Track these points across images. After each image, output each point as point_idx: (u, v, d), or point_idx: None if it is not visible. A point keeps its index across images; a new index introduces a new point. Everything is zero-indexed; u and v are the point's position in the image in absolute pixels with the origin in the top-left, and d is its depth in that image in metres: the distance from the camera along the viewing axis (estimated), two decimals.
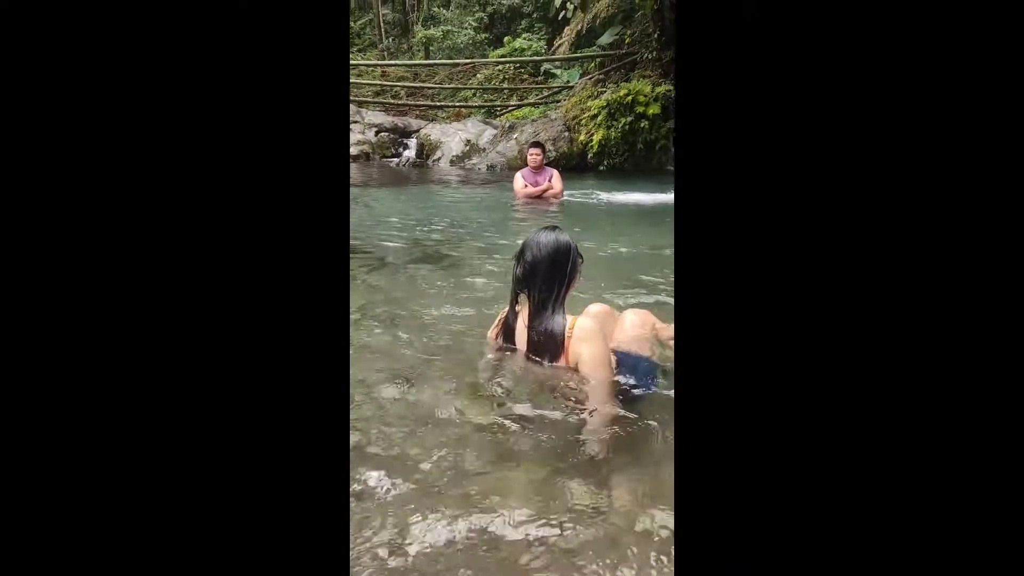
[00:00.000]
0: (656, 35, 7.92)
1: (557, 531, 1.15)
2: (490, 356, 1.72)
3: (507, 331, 1.52)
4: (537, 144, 5.10)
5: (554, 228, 1.53)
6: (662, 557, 1.09)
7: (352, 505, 1.20)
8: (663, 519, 1.15)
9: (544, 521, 1.18)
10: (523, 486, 1.28)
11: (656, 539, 1.12)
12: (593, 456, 1.38)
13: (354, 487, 1.26)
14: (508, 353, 1.70)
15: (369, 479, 1.31)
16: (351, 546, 1.09)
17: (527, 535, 1.14)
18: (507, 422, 1.53)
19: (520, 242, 1.64)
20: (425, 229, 4.01)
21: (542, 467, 1.35)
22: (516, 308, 1.52)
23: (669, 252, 3.00)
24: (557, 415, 1.56)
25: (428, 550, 1.11)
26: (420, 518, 1.19)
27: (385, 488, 1.27)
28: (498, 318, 1.63)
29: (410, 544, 1.12)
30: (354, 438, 1.44)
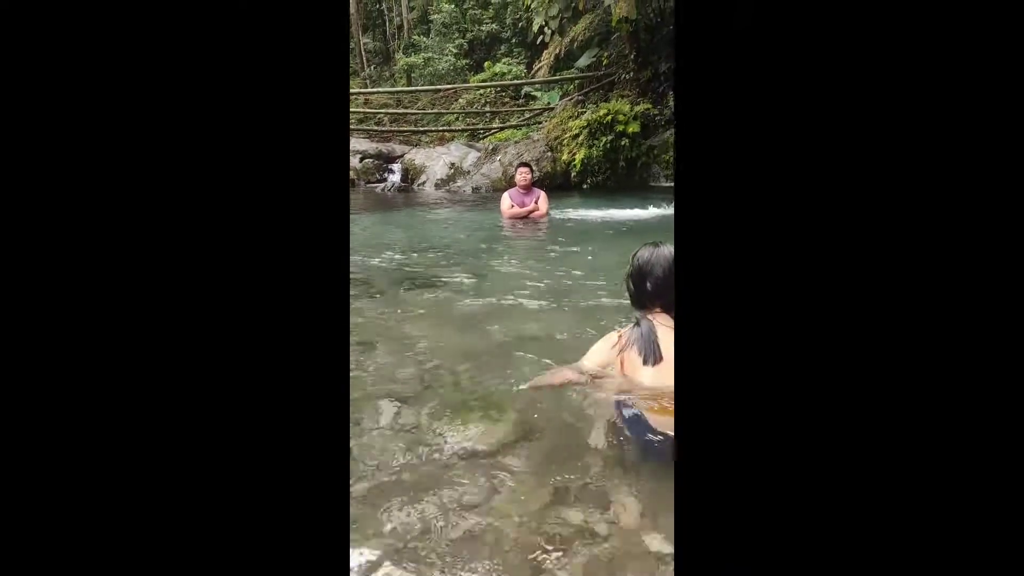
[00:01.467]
0: (632, 56, 8.12)
1: (556, 555, 1.14)
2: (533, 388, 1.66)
3: (648, 345, 1.45)
4: (526, 164, 5.17)
5: (659, 243, 1.54)
6: None
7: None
8: (661, 542, 1.15)
9: (541, 544, 1.17)
10: (520, 508, 1.27)
11: (655, 562, 1.11)
12: (591, 476, 1.38)
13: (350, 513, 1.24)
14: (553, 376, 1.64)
15: (364, 504, 1.29)
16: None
17: (525, 558, 1.13)
18: (503, 444, 1.52)
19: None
20: (413, 253, 4.01)
21: (540, 488, 1.34)
22: (649, 320, 1.49)
23: None
24: (554, 436, 1.56)
25: (425, 568, 1.09)
26: (417, 540, 1.17)
27: (381, 510, 1.25)
28: (617, 341, 1.54)
29: (407, 562, 1.11)
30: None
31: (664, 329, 1.46)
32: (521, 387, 1.69)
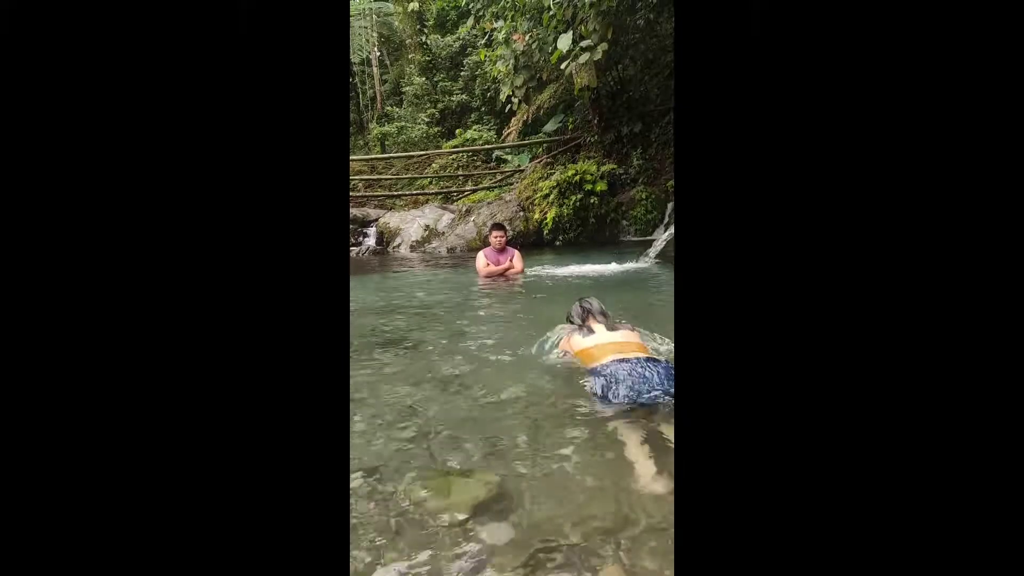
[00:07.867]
0: (596, 120, 8.58)
1: None
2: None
3: (583, 329, 2.42)
4: (499, 226, 5.28)
5: (584, 297, 2.58)
6: None
7: None
8: None
9: None
10: None
11: None
12: (575, 541, 1.34)
13: None
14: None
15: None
16: None
17: None
18: (483, 512, 1.48)
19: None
20: (388, 314, 4.00)
21: (523, 558, 1.30)
22: (589, 327, 2.43)
23: (621, 311, 3.08)
24: (536, 502, 1.52)
25: None
26: None
27: None
28: (567, 338, 2.49)
29: None
30: None
31: (597, 325, 2.38)
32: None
